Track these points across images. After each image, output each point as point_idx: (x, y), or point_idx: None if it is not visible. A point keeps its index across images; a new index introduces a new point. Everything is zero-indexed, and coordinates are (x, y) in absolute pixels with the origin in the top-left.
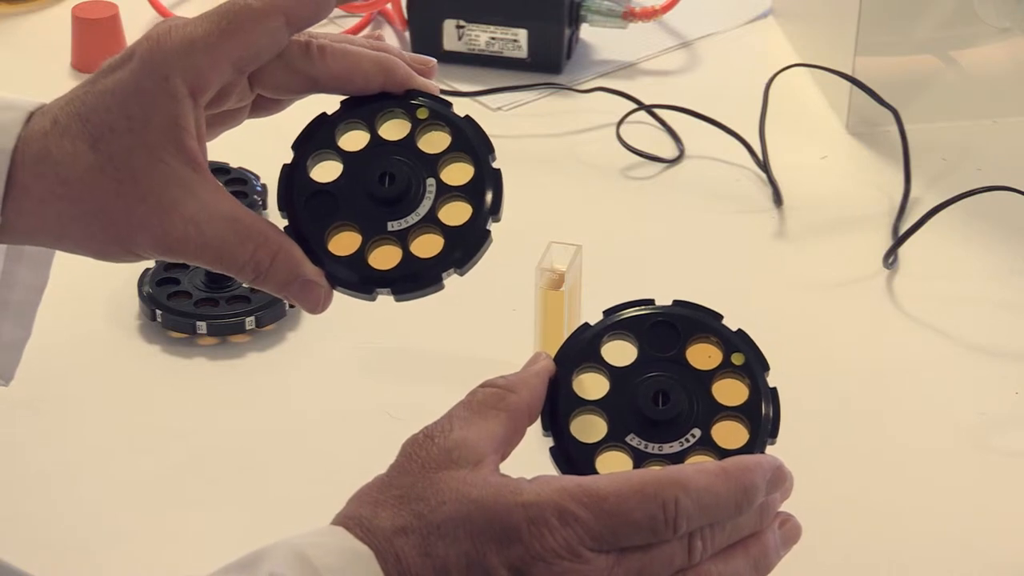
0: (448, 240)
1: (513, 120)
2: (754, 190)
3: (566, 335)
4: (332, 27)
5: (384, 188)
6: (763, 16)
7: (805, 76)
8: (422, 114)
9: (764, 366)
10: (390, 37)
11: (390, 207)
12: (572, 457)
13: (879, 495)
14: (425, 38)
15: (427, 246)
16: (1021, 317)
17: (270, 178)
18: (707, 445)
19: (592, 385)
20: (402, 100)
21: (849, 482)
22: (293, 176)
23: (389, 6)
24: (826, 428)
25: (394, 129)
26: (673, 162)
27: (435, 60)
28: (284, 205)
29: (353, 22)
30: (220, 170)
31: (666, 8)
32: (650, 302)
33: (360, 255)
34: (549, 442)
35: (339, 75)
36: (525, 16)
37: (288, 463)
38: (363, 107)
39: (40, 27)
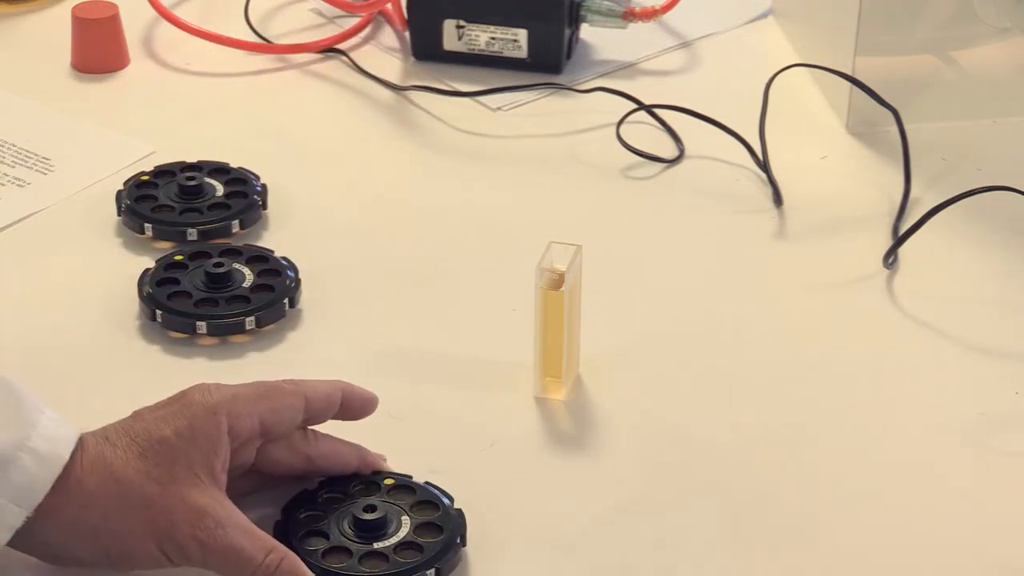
0: None
1: (513, 120)
2: (754, 190)
3: (566, 335)
4: (333, 27)
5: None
6: (763, 16)
7: (805, 76)
8: (389, 482)
9: None
10: (390, 37)
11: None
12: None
13: (879, 495)
14: (425, 38)
15: None
16: (1021, 317)
17: (270, 178)
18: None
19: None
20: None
21: (849, 482)
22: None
23: (389, 6)
24: (826, 428)
25: None
26: (673, 162)
27: (377, 399)
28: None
29: (353, 22)
30: (220, 170)
31: (666, 8)
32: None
33: None
34: None
35: (327, 454)
36: (525, 16)
37: None
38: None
39: (40, 27)
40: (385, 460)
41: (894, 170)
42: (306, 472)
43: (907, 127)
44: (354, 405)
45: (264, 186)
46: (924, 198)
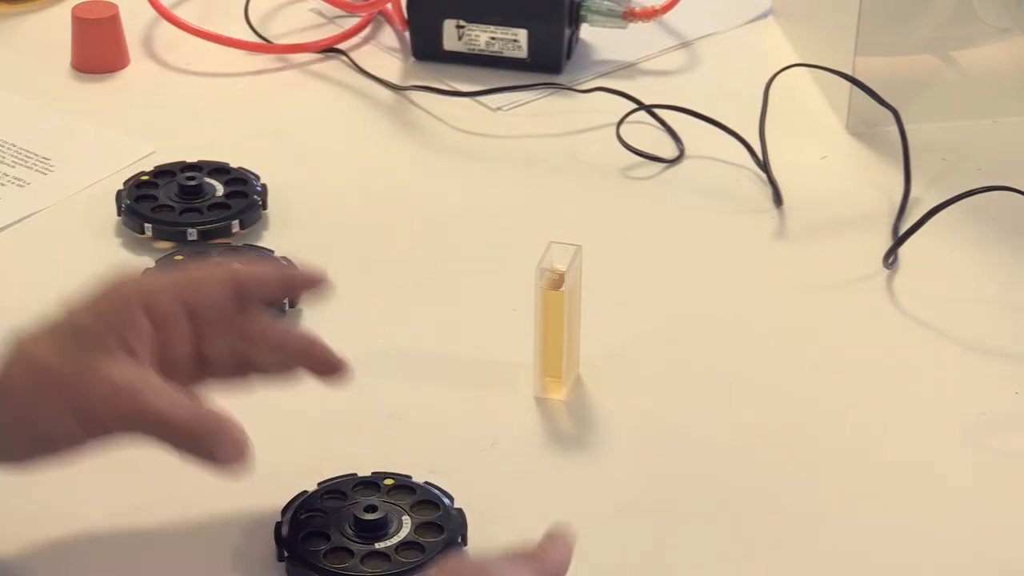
0: None
1: (513, 120)
2: (754, 190)
3: (566, 335)
4: (333, 28)
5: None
6: (763, 16)
7: (805, 76)
8: (389, 482)
9: None
10: (390, 37)
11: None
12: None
13: (878, 495)
14: (425, 38)
15: None
16: (1021, 317)
17: (270, 178)
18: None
19: None
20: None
21: (849, 482)
22: None
23: (389, 6)
24: (826, 428)
25: None
26: (673, 162)
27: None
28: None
29: (353, 22)
30: (220, 170)
31: (666, 8)
32: None
33: None
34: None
35: (265, 328)
36: (525, 16)
37: (288, 463)
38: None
39: (40, 27)
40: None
41: (894, 170)
42: (248, 355)
43: (907, 127)
44: (296, 283)
45: (264, 186)
46: (924, 198)
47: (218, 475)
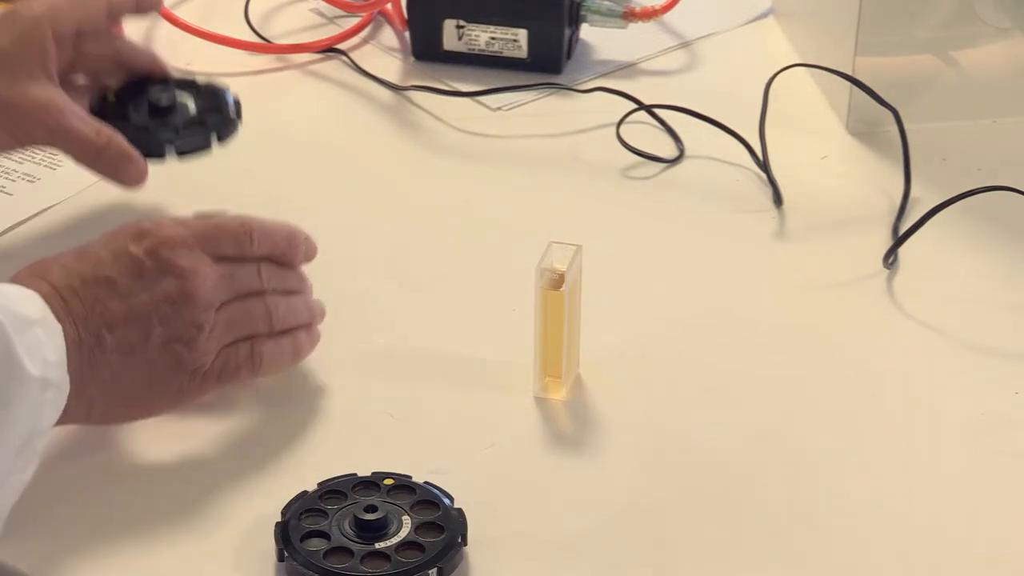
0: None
1: (513, 120)
2: (754, 190)
3: (566, 335)
4: (333, 28)
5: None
6: (763, 16)
7: (805, 76)
8: (389, 482)
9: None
10: (390, 37)
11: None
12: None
13: (879, 495)
14: (425, 38)
15: None
16: (1021, 317)
17: (270, 178)
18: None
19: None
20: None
21: (849, 482)
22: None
23: (389, 6)
24: (825, 428)
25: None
26: (673, 162)
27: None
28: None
29: (353, 22)
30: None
31: (666, 8)
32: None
33: None
34: None
35: (130, 48)
36: (525, 16)
37: (288, 463)
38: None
39: None
40: (158, 60)
41: (894, 170)
42: (115, 63)
43: (907, 127)
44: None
45: (237, 100)
46: (924, 198)
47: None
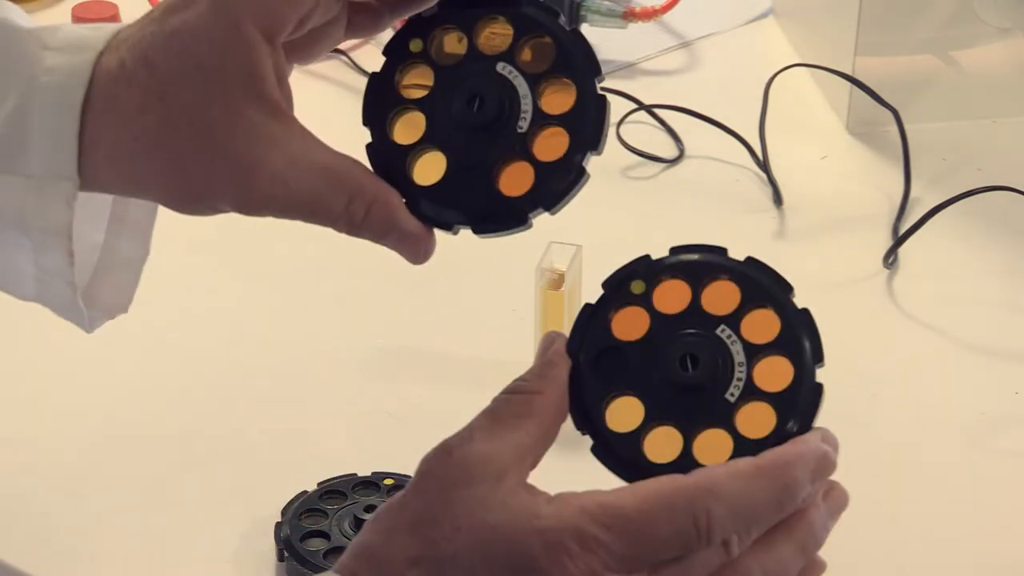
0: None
1: None
2: (754, 190)
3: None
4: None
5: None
6: (763, 16)
7: (805, 76)
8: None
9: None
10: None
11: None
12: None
13: (879, 495)
14: None
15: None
16: (1021, 317)
17: None
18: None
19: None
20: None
21: (849, 482)
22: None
23: None
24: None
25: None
26: (673, 162)
27: None
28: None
29: None
30: None
31: (666, 8)
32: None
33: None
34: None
35: None
36: None
37: (288, 463)
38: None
39: None
40: None
41: (894, 170)
42: None
43: (907, 127)
44: None
45: None
46: (924, 198)
47: None
